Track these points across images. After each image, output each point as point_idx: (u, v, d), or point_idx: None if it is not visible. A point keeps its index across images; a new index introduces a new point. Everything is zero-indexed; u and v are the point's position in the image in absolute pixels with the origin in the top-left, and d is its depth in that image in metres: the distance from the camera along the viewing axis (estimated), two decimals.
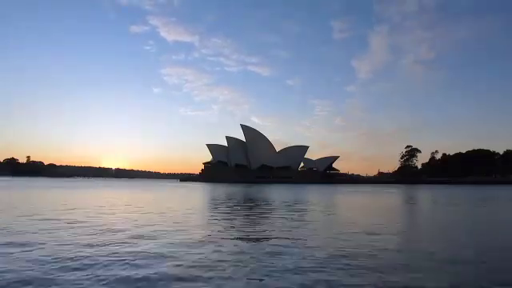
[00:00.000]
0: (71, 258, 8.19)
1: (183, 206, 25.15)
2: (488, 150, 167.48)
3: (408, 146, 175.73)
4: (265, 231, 13.02)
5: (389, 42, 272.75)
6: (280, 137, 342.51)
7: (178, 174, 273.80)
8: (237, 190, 58.46)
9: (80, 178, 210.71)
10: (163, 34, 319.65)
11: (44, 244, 9.85)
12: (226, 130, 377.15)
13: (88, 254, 8.64)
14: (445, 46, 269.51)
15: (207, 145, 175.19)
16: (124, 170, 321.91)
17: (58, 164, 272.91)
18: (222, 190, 58.76)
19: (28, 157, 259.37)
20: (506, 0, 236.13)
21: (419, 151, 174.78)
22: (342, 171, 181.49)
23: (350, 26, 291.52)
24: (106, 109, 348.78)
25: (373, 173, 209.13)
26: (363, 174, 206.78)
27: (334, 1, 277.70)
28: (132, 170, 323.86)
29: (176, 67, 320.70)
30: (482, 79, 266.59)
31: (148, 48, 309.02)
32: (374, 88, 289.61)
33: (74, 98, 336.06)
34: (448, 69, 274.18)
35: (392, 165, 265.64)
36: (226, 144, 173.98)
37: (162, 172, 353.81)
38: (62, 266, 7.54)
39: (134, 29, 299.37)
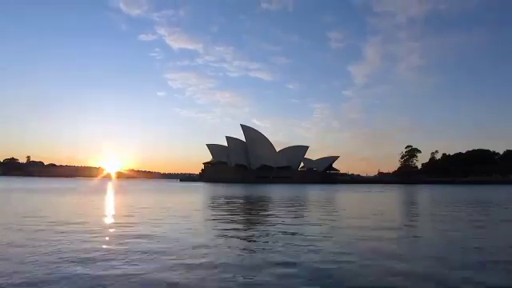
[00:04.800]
0: None
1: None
2: (488, 150, 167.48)
3: (408, 146, 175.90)
4: None
5: (382, 51, 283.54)
6: (280, 138, 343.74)
7: (178, 174, 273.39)
8: (256, 190, 57.97)
9: (80, 179, 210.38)
10: (169, 42, 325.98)
11: None
12: (226, 131, 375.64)
13: None
14: (436, 54, 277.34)
15: (207, 145, 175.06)
16: (124, 170, 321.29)
17: (58, 164, 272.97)
18: (239, 190, 58.61)
19: (28, 157, 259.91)
20: (490, 12, 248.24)
21: (419, 151, 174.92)
22: (341, 171, 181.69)
23: (346, 36, 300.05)
24: (107, 110, 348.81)
25: (373, 173, 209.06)
26: (363, 174, 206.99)
27: (330, 14, 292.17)
28: (132, 170, 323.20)
29: (180, 72, 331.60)
30: (479, 81, 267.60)
31: (154, 55, 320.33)
32: (371, 91, 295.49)
33: (76, 98, 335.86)
34: (442, 74, 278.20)
35: (392, 165, 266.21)
36: (226, 144, 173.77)
37: (161, 172, 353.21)
38: None
39: (143, 37, 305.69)
